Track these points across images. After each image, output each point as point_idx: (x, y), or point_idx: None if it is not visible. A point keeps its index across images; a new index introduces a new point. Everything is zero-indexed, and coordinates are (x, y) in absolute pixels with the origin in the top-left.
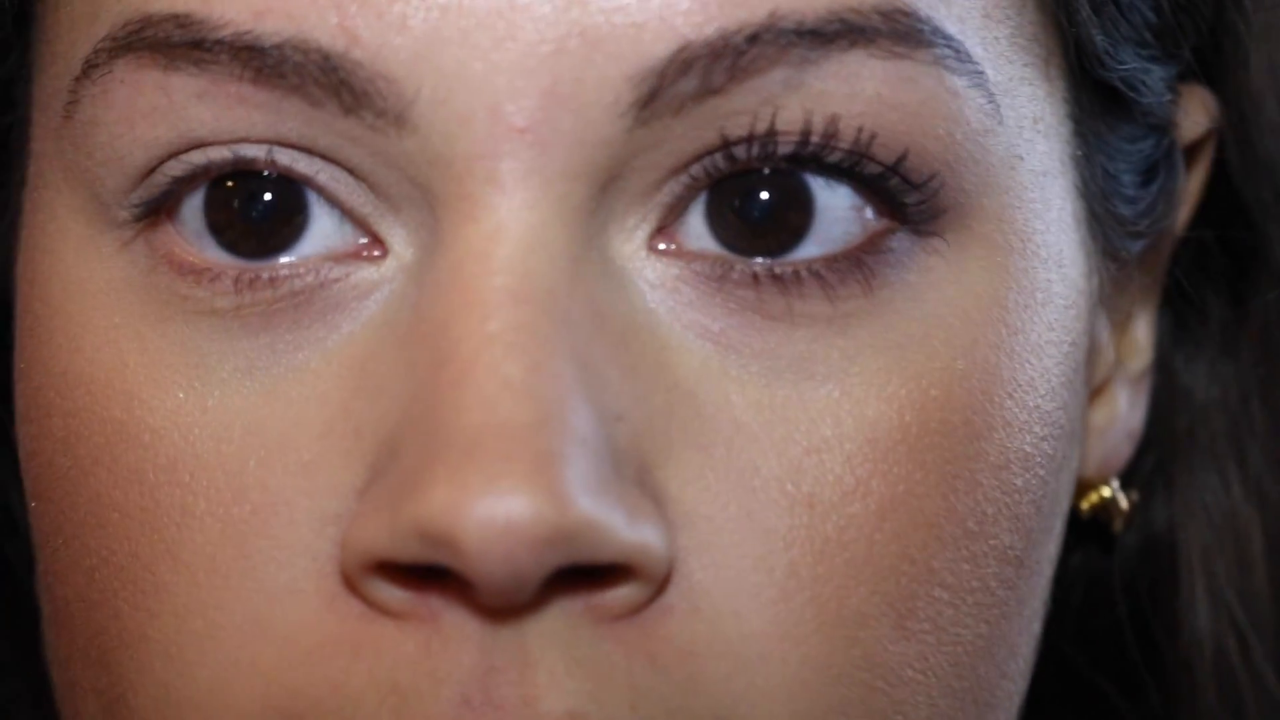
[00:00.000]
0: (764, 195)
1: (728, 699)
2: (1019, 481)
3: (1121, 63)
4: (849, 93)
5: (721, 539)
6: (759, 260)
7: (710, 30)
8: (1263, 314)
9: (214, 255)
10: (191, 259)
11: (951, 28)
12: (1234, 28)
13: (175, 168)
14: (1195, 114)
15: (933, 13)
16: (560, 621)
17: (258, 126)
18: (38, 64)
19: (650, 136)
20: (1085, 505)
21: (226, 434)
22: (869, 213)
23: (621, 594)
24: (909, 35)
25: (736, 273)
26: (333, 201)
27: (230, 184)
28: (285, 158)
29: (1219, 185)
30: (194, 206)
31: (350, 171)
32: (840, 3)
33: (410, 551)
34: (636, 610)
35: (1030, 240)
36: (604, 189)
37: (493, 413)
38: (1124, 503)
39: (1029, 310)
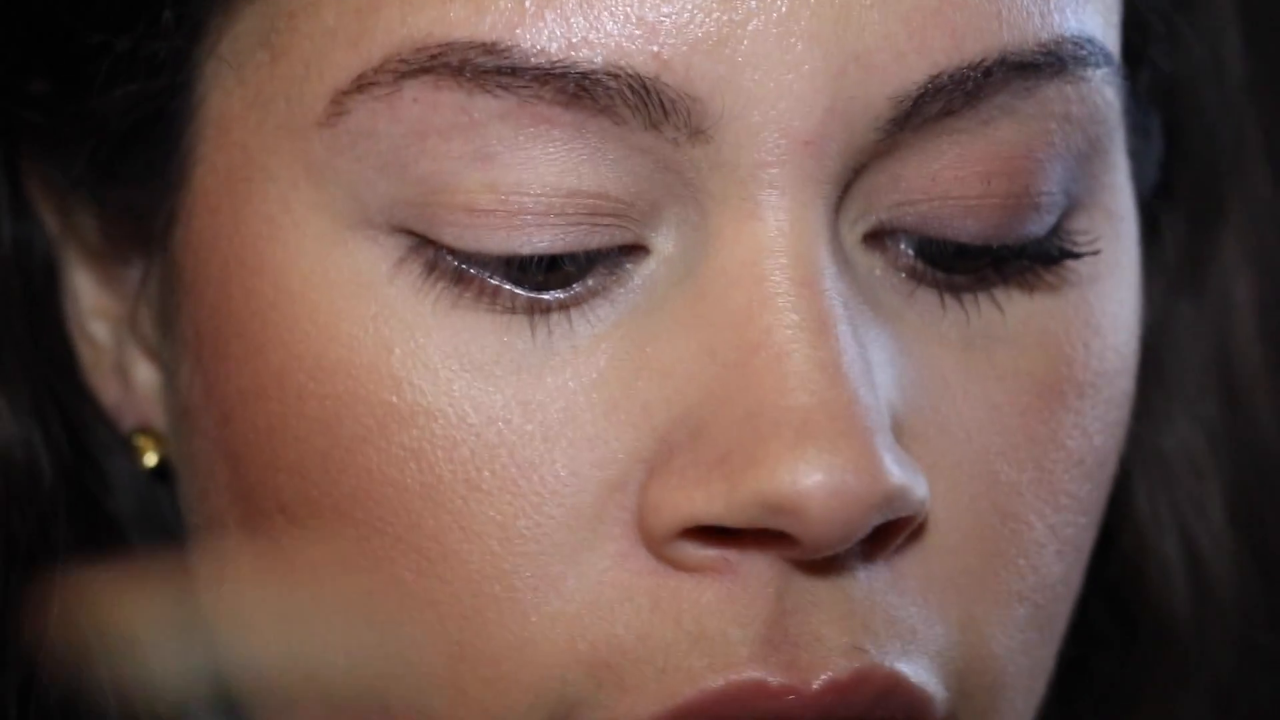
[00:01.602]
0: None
1: (956, 623)
2: (1124, 416)
3: (1157, 40)
4: (1045, 114)
5: (943, 485)
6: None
7: (958, 60)
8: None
9: (494, 276)
10: (472, 275)
11: (1110, 44)
12: None
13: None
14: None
15: (1102, 35)
16: (840, 567)
17: (555, 142)
18: (242, 61)
19: (894, 146)
20: None
21: (505, 415)
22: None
23: (895, 541)
24: (1089, 60)
25: (931, 277)
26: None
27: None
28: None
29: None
30: None
31: (625, 182)
32: (1050, 38)
33: (748, 518)
34: (896, 551)
35: (1126, 203)
36: (847, 191)
37: (815, 394)
38: None
39: (1133, 265)
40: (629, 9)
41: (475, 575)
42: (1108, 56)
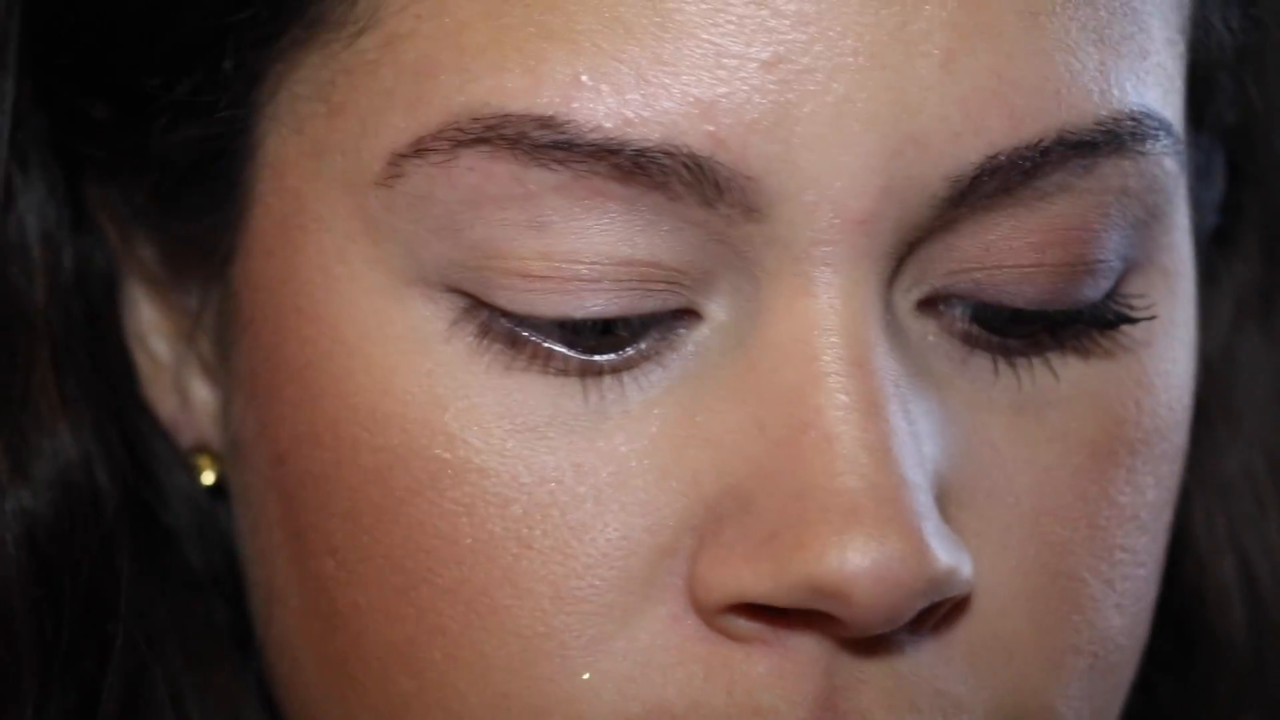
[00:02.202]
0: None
1: (1003, 687)
2: (1178, 469)
3: (1220, 91)
4: (1103, 189)
5: (990, 551)
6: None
7: (1015, 140)
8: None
9: (547, 339)
10: (525, 337)
11: (1168, 114)
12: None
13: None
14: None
15: (1159, 106)
16: (889, 644)
17: (610, 214)
18: (300, 111)
19: (950, 221)
20: None
21: (557, 476)
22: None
23: (939, 615)
24: (1147, 134)
25: (984, 342)
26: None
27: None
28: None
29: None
30: None
31: (681, 255)
32: (1109, 115)
33: (794, 599)
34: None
35: (1183, 259)
36: (901, 263)
37: (863, 477)
38: None
39: (1188, 322)
40: (685, 87)
41: (525, 631)
42: (1167, 128)
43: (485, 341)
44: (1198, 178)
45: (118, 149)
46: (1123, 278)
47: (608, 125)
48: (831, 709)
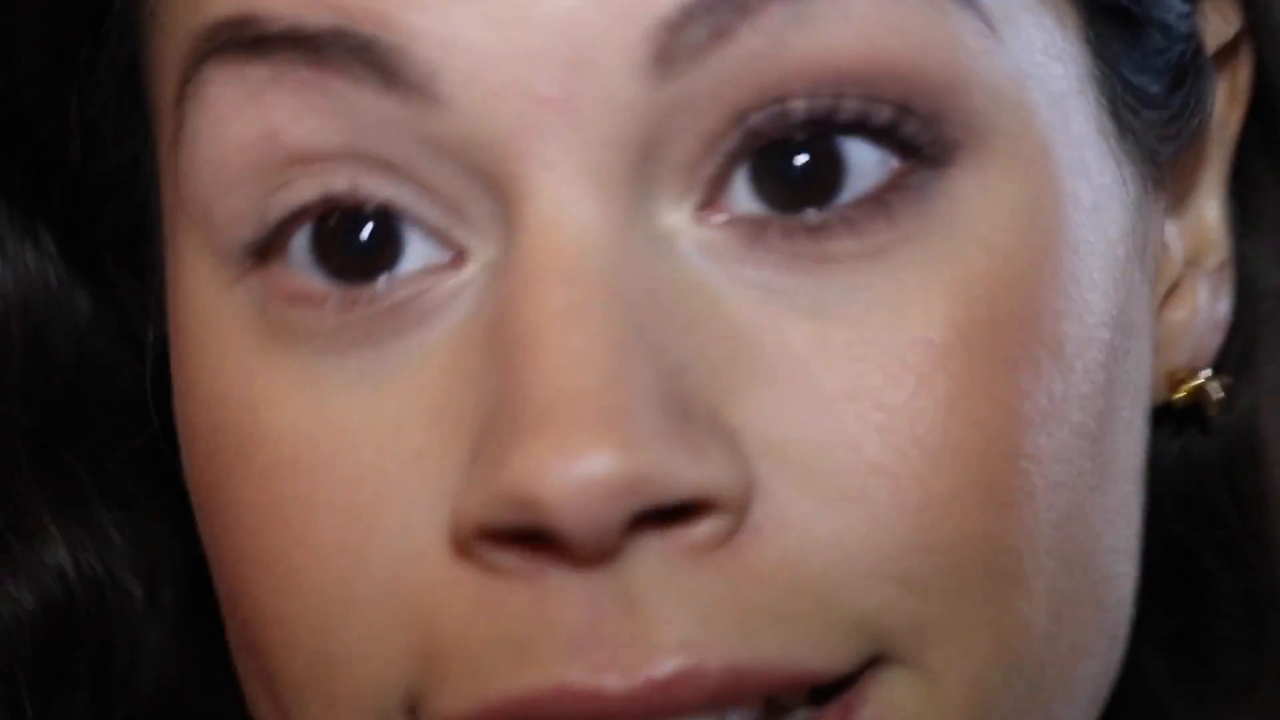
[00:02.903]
0: (798, 159)
1: (830, 588)
2: (1078, 364)
3: None
4: (846, 28)
5: (798, 457)
6: (794, 216)
7: None
8: None
9: (320, 284)
10: (300, 289)
11: None
12: None
13: (274, 210)
14: (1218, 20)
15: None
16: (657, 562)
17: (320, 114)
18: (150, 108)
19: (676, 96)
20: (1179, 396)
21: (342, 432)
22: (893, 160)
23: (705, 527)
24: None
25: (772, 229)
26: (418, 222)
27: (332, 221)
28: (371, 187)
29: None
30: (300, 243)
31: (429, 191)
32: None
33: (504, 517)
34: (728, 538)
35: (1050, 153)
36: (644, 158)
37: (560, 382)
38: (1216, 391)
39: (1058, 213)
40: None
41: (319, 587)
42: None
43: (268, 312)
44: (1155, 78)
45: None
46: (939, 158)
47: (287, 15)
48: (595, 633)
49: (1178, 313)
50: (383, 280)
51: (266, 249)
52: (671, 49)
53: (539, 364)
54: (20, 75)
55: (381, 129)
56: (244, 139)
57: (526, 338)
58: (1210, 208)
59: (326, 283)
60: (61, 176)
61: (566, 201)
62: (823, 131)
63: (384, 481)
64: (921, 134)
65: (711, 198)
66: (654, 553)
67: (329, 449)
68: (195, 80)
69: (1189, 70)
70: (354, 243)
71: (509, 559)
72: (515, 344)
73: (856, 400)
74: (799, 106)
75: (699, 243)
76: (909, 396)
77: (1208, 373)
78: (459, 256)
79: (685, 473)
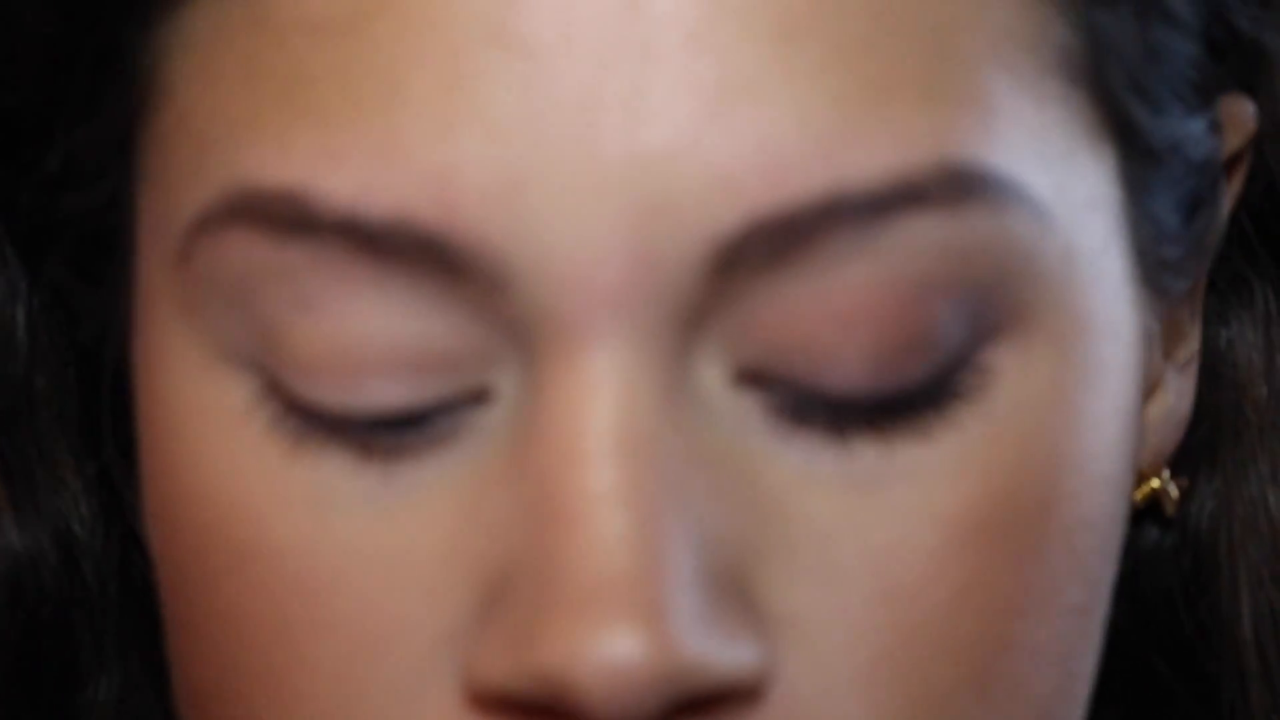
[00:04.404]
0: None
1: None
2: (1083, 544)
3: (1165, 128)
4: (909, 249)
5: (812, 638)
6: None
7: (780, 200)
8: None
9: (339, 426)
10: (318, 422)
11: (1004, 168)
12: (1270, 37)
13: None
14: (1234, 126)
15: (986, 159)
16: None
17: (364, 294)
18: (143, 187)
19: (730, 289)
20: (1139, 496)
21: (351, 556)
22: None
23: (723, 712)
24: (965, 187)
25: (813, 411)
26: (445, 363)
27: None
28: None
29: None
30: None
31: (459, 335)
32: (898, 169)
33: (530, 692)
34: (742, 715)
35: (1088, 319)
36: (691, 332)
37: (603, 567)
38: (1174, 491)
39: (1090, 388)
40: (416, 160)
41: (317, 712)
42: (999, 180)
43: (281, 423)
44: (1176, 215)
45: (29, 221)
46: (975, 348)
47: (344, 201)
48: None
49: (1152, 412)
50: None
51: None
52: (732, 262)
53: (580, 543)
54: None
55: (426, 302)
56: (272, 299)
57: (567, 512)
58: (1194, 321)
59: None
60: (30, 181)
61: (612, 370)
62: None
63: (392, 613)
64: (968, 326)
65: (751, 373)
66: None
67: (336, 570)
68: (216, 231)
69: (1205, 198)
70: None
71: None
72: (553, 514)
73: (872, 584)
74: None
75: (737, 411)
76: (924, 584)
77: (1166, 474)
78: (482, 394)
79: (720, 663)
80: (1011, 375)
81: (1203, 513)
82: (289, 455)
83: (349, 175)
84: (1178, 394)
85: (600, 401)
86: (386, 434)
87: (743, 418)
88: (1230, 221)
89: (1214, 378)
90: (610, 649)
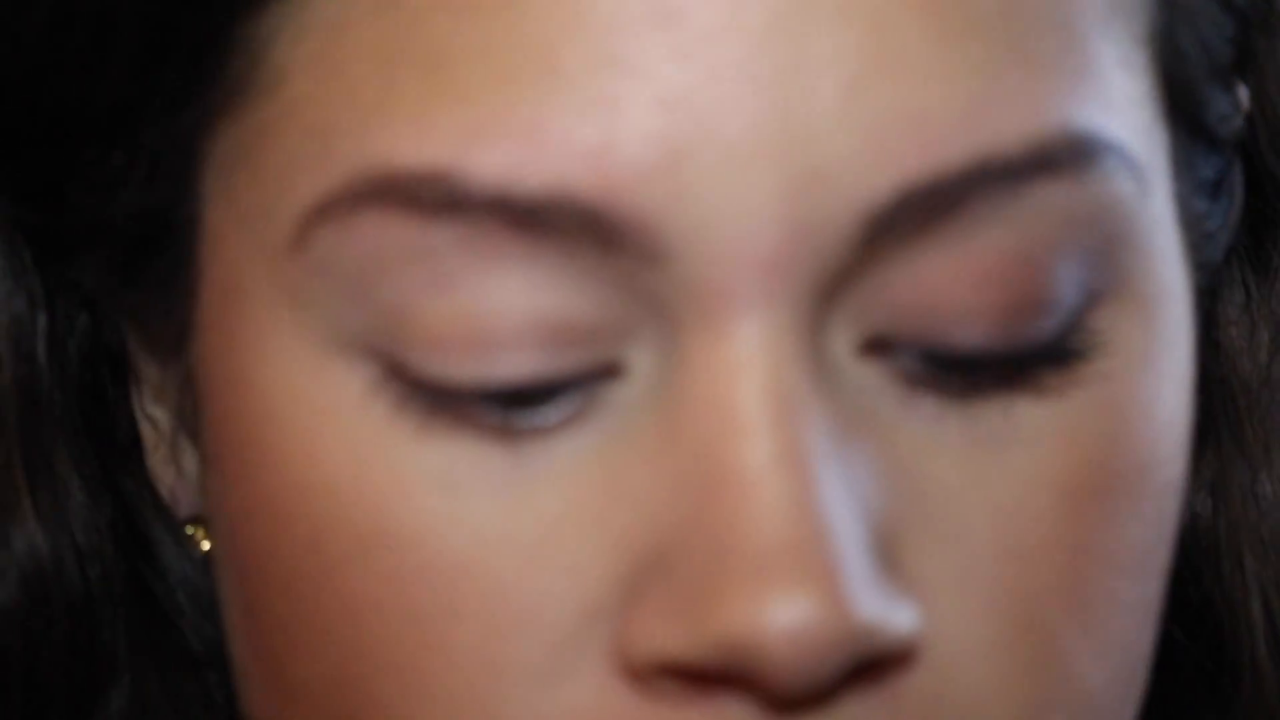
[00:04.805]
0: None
1: None
2: (1170, 506)
3: (1213, 102)
4: (1040, 218)
5: (947, 599)
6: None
7: (931, 170)
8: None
9: (468, 404)
10: (445, 402)
11: (1116, 134)
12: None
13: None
14: (1240, 112)
15: (1103, 126)
16: (832, 706)
17: (512, 271)
18: (228, 180)
19: (874, 258)
20: None
21: (482, 539)
22: None
23: (885, 671)
24: (1087, 154)
25: (934, 379)
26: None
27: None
28: (544, 307)
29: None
30: None
31: (598, 306)
32: (1035, 136)
33: (708, 658)
34: (890, 680)
35: (1167, 285)
36: (828, 300)
37: (776, 530)
38: None
39: (1171, 352)
40: (573, 136)
41: (454, 699)
42: (1114, 148)
43: (406, 406)
44: (1203, 193)
45: (71, 222)
46: (1086, 311)
47: (495, 178)
48: None
49: None
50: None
51: None
52: (883, 231)
53: (750, 510)
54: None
55: (575, 276)
56: (405, 279)
57: (731, 481)
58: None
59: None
60: (85, 180)
61: (764, 340)
62: None
63: (531, 595)
64: (1077, 290)
65: (876, 342)
66: (832, 696)
67: (468, 556)
68: (344, 215)
69: (1226, 174)
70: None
71: (687, 691)
72: (720, 483)
73: (998, 547)
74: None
75: (865, 378)
76: (1046, 545)
77: None
78: (616, 368)
79: (891, 625)
80: (1115, 338)
81: (1197, 495)
82: (416, 438)
83: (500, 152)
84: None
85: (753, 370)
86: (517, 411)
87: (869, 386)
88: None
89: (1201, 355)
90: (791, 613)
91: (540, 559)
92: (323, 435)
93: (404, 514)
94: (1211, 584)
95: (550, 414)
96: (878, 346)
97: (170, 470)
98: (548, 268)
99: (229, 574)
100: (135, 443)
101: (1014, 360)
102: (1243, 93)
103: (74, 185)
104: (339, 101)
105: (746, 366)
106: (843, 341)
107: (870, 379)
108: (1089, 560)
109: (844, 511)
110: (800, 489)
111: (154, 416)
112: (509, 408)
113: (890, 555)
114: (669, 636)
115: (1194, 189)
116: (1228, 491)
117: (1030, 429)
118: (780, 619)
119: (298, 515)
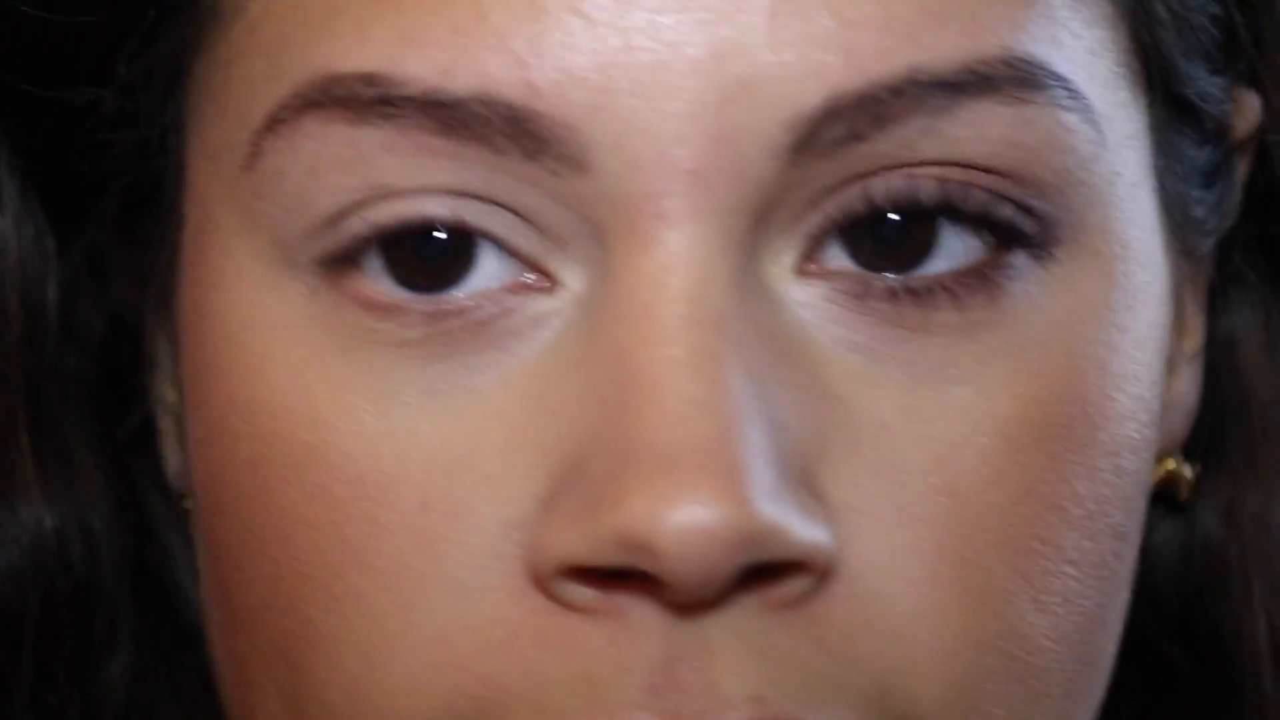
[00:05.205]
0: (894, 217)
1: (886, 672)
2: (1128, 465)
3: (1193, 79)
4: (978, 137)
5: (874, 529)
6: (891, 276)
7: (858, 83)
8: None
9: (396, 293)
10: (380, 298)
11: (1063, 68)
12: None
13: (360, 225)
14: (1242, 115)
15: (1048, 57)
16: (737, 614)
17: (442, 174)
18: (199, 116)
19: (800, 175)
20: (1154, 479)
21: (411, 452)
22: (993, 241)
23: (793, 586)
24: (1029, 81)
25: (874, 289)
26: (502, 245)
27: (410, 233)
28: (466, 213)
29: (1259, 177)
30: (374, 250)
31: (522, 215)
32: (971, 55)
33: (607, 557)
34: (804, 601)
35: (1129, 246)
36: (759, 221)
37: (681, 429)
38: (1188, 473)
39: (1131, 310)
40: (501, 38)
41: (375, 612)
42: (1063, 83)
43: (340, 318)
44: (1192, 179)
45: (76, 175)
46: (1036, 248)
47: (427, 79)
48: (672, 678)
49: (1169, 395)
50: (464, 292)
51: (342, 258)
52: (808, 141)
53: (659, 409)
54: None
55: (504, 182)
56: (340, 188)
57: (645, 380)
58: (1200, 303)
59: (402, 292)
60: (80, 135)
61: (687, 252)
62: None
63: (452, 507)
64: (1027, 226)
65: (810, 253)
66: (737, 604)
67: (396, 469)
68: (289, 125)
69: (1221, 167)
70: (425, 253)
71: (590, 596)
72: (629, 385)
73: (933, 480)
74: (927, 192)
75: (802, 298)
76: (983, 483)
77: (1179, 455)
78: (544, 282)
79: (794, 531)
80: (1064, 283)
81: (1209, 515)
82: (348, 351)
83: (431, 56)
84: (1188, 383)
85: (675, 278)
86: (448, 323)
87: (806, 310)
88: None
89: (1218, 375)
90: (691, 510)
91: (463, 473)
92: (269, 354)
93: (339, 429)
94: (1219, 608)
95: (481, 330)
96: (815, 264)
97: (177, 451)
98: (477, 173)
99: (196, 518)
100: (150, 427)
101: (946, 290)
102: (1252, 102)
103: (73, 136)
104: (289, 20)
105: (669, 274)
106: (781, 264)
107: (808, 301)
108: (1030, 505)
109: (754, 420)
110: (709, 392)
111: (165, 398)
112: (439, 318)
113: (807, 476)
114: (572, 538)
115: (1179, 170)
116: (1239, 516)
117: (971, 367)
118: (675, 516)
119: (242, 436)
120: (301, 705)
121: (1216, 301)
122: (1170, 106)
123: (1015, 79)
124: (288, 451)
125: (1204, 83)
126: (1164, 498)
